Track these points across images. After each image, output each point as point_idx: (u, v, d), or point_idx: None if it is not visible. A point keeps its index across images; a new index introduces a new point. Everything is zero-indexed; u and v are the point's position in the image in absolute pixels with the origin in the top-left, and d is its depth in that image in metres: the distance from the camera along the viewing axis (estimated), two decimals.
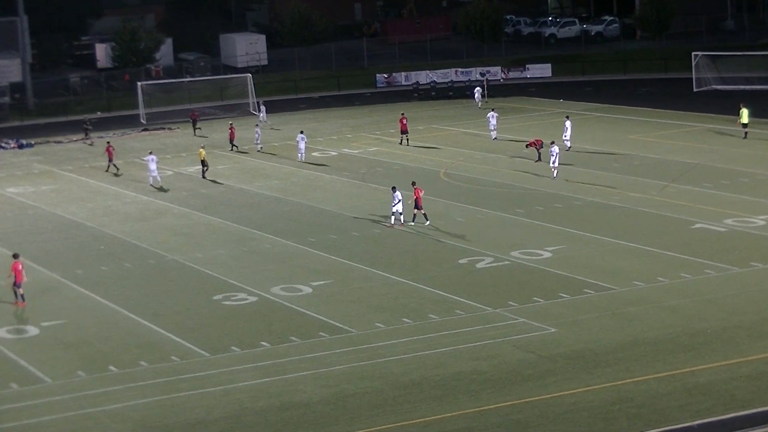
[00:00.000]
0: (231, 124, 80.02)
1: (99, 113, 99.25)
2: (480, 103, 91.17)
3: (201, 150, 70.25)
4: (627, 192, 58.71)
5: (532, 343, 37.64)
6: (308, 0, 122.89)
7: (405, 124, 76.11)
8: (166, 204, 62.54)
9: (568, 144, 70.03)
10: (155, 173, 66.97)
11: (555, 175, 62.11)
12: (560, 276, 44.88)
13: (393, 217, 53.78)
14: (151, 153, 68.88)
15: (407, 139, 75.89)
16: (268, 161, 73.20)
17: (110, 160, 72.13)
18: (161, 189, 66.41)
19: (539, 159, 66.74)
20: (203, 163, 68.83)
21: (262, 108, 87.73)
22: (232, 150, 77.18)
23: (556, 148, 62.42)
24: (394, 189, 53.95)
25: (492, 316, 40.70)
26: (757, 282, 43.05)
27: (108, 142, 74.54)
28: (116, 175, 71.44)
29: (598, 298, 42.07)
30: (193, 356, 38.27)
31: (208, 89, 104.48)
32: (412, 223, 53.79)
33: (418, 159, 71.20)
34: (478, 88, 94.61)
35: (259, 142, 76.66)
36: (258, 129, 78.00)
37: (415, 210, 53.92)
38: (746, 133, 71.72)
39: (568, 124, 70.67)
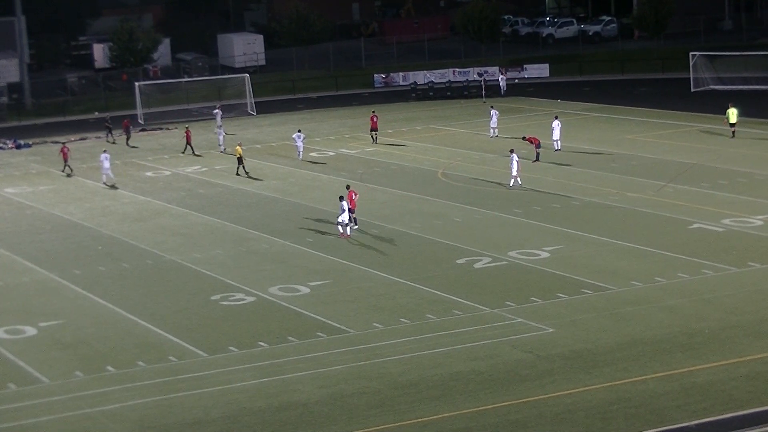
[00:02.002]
0: (187, 127, 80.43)
1: (96, 113, 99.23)
2: (503, 90, 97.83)
3: (237, 147, 70.19)
4: (625, 192, 58.72)
5: (529, 343, 37.65)
6: (306, 0, 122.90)
7: (375, 122, 77.91)
8: (164, 204, 62.55)
9: (558, 145, 69.71)
10: (108, 171, 68.71)
11: (511, 185, 60.33)
12: (558, 276, 44.89)
13: (340, 227, 52.33)
14: (105, 151, 70.26)
15: (376, 137, 77.80)
16: (265, 161, 73.16)
17: (65, 161, 73.08)
18: (113, 187, 67.73)
19: (537, 159, 66.73)
20: (240, 160, 69.03)
21: (217, 111, 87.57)
22: (188, 152, 77.40)
23: (515, 156, 60.91)
24: (341, 198, 52.62)
25: (490, 316, 40.70)
26: (754, 282, 43.07)
27: (64, 144, 76.17)
28: (69, 176, 72.19)
29: (596, 298, 42.08)
30: (191, 356, 38.27)
31: (206, 89, 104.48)
32: (356, 226, 53.40)
33: (415, 159, 71.21)
34: (502, 76, 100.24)
35: (222, 143, 77.39)
36: (221, 131, 78.80)
37: (350, 213, 52.98)
38: (734, 132, 71.70)
39: (556, 123, 70.19)
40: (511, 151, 61.44)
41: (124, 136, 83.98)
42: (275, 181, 66.99)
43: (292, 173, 69.12)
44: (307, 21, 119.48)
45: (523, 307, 41.43)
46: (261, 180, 67.40)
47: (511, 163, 60.54)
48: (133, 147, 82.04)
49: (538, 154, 66.74)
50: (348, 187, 54.65)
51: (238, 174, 68.59)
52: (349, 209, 52.72)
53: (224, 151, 76.56)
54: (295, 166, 71.13)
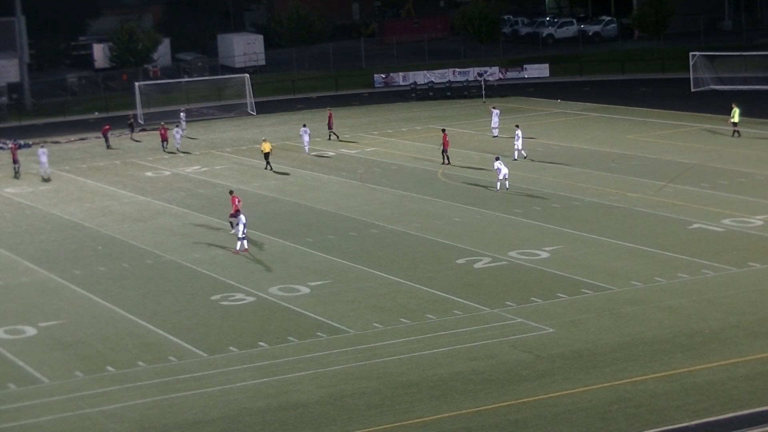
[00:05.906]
0: (162, 124, 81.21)
1: (96, 113, 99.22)
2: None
3: (266, 144, 70.30)
4: (625, 192, 58.71)
5: (529, 343, 37.65)
6: (306, 0, 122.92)
7: (331, 120, 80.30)
8: (164, 204, 62.54)
9: (524, 154, 67.99)
10: (45, 166, 71.39)
11: (498, 188, 59.92)
12: (558, 276, 44.89)
13: (239, 243, 50.92)
14: (42, 146, 73.51)
15: (335, 134, 79.72)
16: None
17: (15, 162, 73.62)
18: (47, 180, 70.32)
19: (445, 162, 67.52)
20: (266, 156, 69.54)
21: (182, 115, 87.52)
22: (163, 150, 78.87)
23: (501, 162, 60.27)
24: (238, 213, 51.73)
25: (490, 316, 40.70)
26: (754, 282, 43.06)
27: (13, 144, 77.53)
28: (16, 176, 72.67)
29: (595, 298, 42.08)
30: (191, 356, 38.26)
31: (206, 89, 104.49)
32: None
33: (415, 159, 71.19)
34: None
35: (178, 142, 78.74)
36: (179, 131, 79.79)
37: (231, 218, 52.70)
38: (737, 131, 71.71)
39: (518, 133, 68.34)
40: (497, 158, 60.96)
41: (129, 135, 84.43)
42: (275, 181, 66.97)
43: (292, 173, 69.08)
44: (307, 21, 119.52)
45: (523, 307, 41.43)
46: (288, 175, 68.07)
47: (498, 169, 59.97)
48: (113, 148, 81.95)
49: (444, 157, 67.58)
50: (231, 192, 54.53)
51: (266, 169, 69.09)
52: (233, 213, 52.33)
53: (178, 151, 77.76)
54: (295, 166, 71.09)
